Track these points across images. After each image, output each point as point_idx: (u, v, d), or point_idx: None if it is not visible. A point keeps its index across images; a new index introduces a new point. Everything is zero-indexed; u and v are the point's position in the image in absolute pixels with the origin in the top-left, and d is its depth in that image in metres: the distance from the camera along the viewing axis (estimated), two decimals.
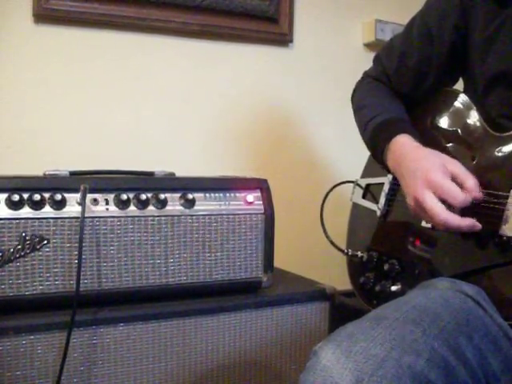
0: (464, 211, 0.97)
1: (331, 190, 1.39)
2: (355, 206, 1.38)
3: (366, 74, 1.36)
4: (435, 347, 0.80)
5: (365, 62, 1.39)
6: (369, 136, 1.20)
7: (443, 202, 0.96)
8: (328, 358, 0.79)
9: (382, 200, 1.25)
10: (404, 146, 1.09)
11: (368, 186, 1.33)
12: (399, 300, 0.92)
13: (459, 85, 1.22)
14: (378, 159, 1.19)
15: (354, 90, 1.36)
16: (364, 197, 1.34)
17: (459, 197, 0.95)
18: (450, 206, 0.96)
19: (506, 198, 0.93)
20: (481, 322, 0.88)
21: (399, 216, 1.22)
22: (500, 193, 0.95)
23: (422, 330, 0.82)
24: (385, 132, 1.15)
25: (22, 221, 1.06)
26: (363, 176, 1.38)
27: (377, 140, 1.17)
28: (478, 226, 0.96)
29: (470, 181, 0.97)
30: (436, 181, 0.96)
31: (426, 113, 1.20)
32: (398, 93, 1.27)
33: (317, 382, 0.77)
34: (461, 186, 0.97)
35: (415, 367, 0.77)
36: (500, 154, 1.00)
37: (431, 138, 1.16)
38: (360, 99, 1.31)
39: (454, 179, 0.97)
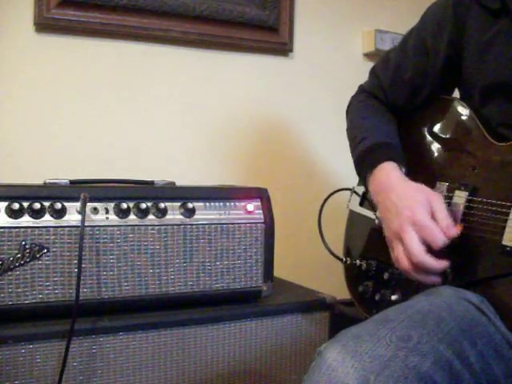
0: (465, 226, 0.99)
1: (328, 197, 1.39)
2: (352, 213, 1.37)
3: (362, 88, 1.34)
4: (440, 350, 0.80)
5: (364, 71, 1.38)
6: (355, 159, 1.20)
7: (424, 242, 0.96)
8: (334, 358, 0.79)
9: None
10: (389, 176, 1.09)
11: (365, 193, 1.33)
12: (402, 304, 0.93)
13: (456, 94, 1.22)
14: (362, 182, 1.19)
15: (349, 104, 1.35)
16: (361, 204, 1.33)
17: (439, 240, 0.95)
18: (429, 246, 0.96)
19: (509, 208, 0.93)
20: (484, 329, 0.88)
21: None
22: (502, 203, 0.94)
23: (426, 332, 0.82)
24: (370, 158, 1.14)
25: (22, 229, 1.06)
26: (360, 183, 1.37)
27: (362, 165, 1.17)
28: (448, 266, 0.97)
29: (444, 221, 0.97)
30: (421, 222, 0.97)
31: (424, 120, 1.20)
32: (393, 105, 1.27)
33: (322, 381, 0.77)
34: (436, 222, 0.97)
35: (421, 368, 0.77)
36: (502, 165, 1.00)
37: (429, 146, 1.16)
38: (352, 117, 1.31)
39: (432, 216, 0.98)
